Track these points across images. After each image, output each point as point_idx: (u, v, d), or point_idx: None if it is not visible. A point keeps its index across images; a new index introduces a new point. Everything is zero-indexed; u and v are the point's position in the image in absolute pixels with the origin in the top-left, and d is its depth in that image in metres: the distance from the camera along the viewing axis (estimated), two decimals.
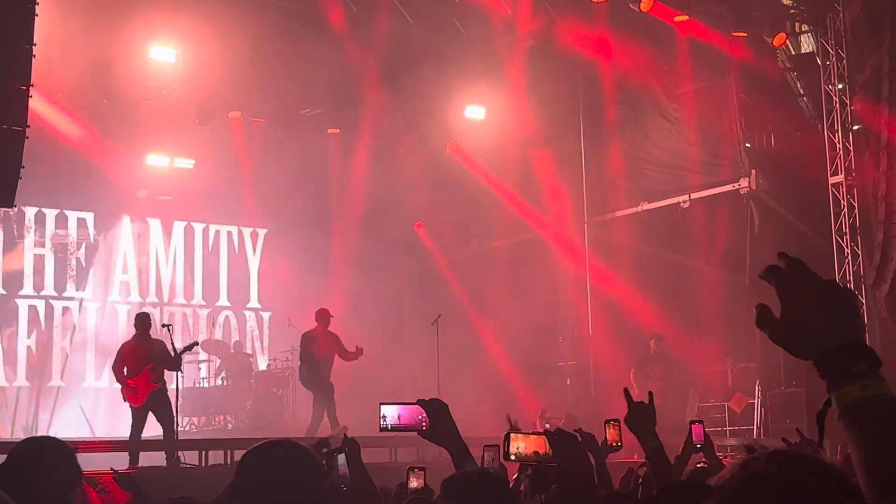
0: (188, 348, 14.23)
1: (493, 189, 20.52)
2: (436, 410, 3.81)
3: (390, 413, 3.79)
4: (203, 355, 18.83)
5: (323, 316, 15.04)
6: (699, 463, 6.63)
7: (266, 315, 21.39)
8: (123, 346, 13.26)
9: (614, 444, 5.63)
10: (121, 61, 17.35)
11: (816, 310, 1.67)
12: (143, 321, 13.29)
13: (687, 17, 16.33)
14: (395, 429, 3.82)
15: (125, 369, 12.76)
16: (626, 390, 4.52)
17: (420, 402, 3.84)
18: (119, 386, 12.88)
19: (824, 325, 1.66)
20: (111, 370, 13.14)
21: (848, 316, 1.67)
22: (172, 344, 13.23)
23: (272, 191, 20.50)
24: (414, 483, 5.25)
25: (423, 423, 3.81)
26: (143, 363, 12.71)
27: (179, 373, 13.23)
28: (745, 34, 16.65)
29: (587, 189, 19.92)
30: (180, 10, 16.38)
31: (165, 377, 12.98)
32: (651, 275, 17.90)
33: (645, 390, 15.96)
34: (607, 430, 6.12)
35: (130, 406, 12.78)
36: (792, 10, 17.12)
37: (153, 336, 13.28)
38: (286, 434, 13.72)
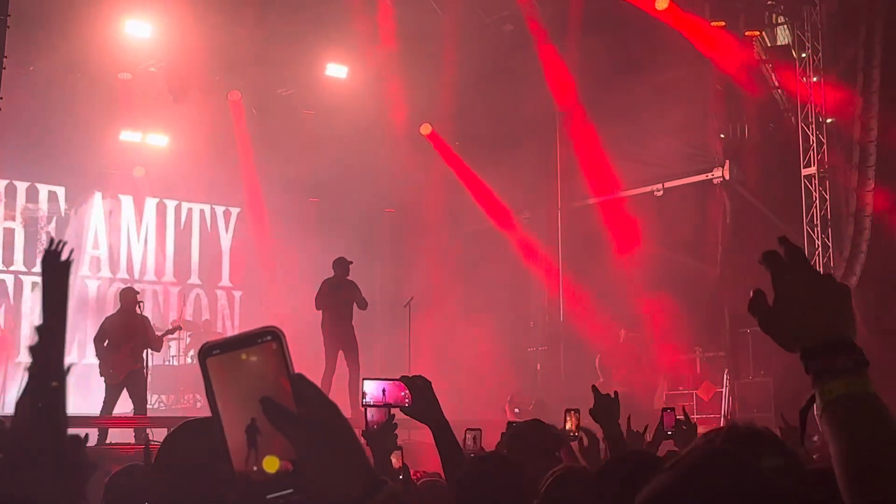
0: (171, 331, 14.12)
1: (461, 177, 20.54)
2: (419, 387, 3.77)
3: (373, 389, 3.73)
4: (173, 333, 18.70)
5: (340, 264, 14.69)
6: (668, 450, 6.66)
7: (237, 294, 21.27)
8: (106, 319, 13.15)
9: (572, 434, 5.74)
10: (95, 36, 17.13)
11: (809, 302, 1.64)
12: (128, 296, 13.13)
13: (668, 4, 16.24)
14: (377, 405, 3.75)
15: (106, 342, 12.63)
16: (594, 386, 4.90)
17: (403, 379, 3.79)
18: (94, 362, 12.73)
19: (816, 318, 1.63)
20: (87, 344, 12.96)
21: (840, 312, 1.64)
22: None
23: (246, 169, 20.40)
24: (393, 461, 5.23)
25: (406, 400, 3.76)
26: (125, 339, 12.59)
27: (154, 351, 13.14)
28: (724, 23, 16.62)
29: (561, 176, 19.93)
30: None
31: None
32: (624, 263, 17.89)
33: (611, 378, 16.09)
34: (567, 419, 6.18)
35: (105, 382, 12.62)
36: (769, 2, 17.12)
37: (138, 313, 13.12)
38: None
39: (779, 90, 17.55)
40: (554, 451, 4.91)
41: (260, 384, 1.31)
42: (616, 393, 4.89)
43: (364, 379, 3.75)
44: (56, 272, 2.04)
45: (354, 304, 14.55)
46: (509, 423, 5.58)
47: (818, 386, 1.59)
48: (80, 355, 15.75)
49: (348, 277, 14.65)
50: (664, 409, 6.59)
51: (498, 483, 3.53)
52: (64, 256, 2.08)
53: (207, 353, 1.31)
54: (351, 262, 14.75)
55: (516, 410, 16.78)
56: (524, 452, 4.22)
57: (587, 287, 18.63)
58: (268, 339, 1.34)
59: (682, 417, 6.32)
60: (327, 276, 14.73)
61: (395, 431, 4.03)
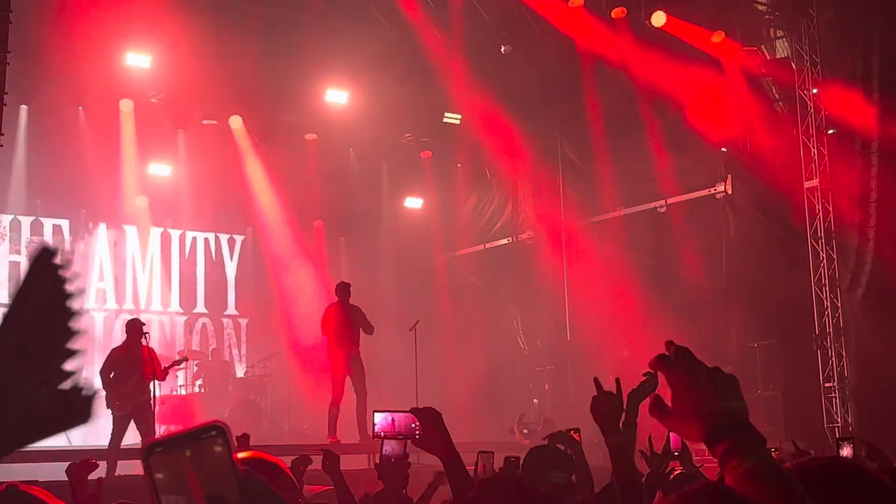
0: (178, 363, 14.09)
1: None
2: (429, 418, 3.73)
3: (382, 420, 3.70)
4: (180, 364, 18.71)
5: (343, 289, 14.68)
6: (675, 470, 6.61)
7: (243, 322, 21.25)
8: (113, 351, 13.12)
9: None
10: (95, 68, 17.21)
11: (705, 394, 1.79)
12: (134, 328, 13.09)
13: (666, 18, 16.31)
14: (387, 436, 3.72)
15: (112, 374, 12.60)
16: (595, 379, 4.21)
17: (414, 411, 3.76)
18: (101, 393, 12.68)
19: (713, 406, 1.77)
20: (97, 376, 12.92)
21: (732, 397, 1.79)
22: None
23: (249, 196, 20.48)
24: None
25: (417, 431, 3.72)
26: (131, 371, 12.57)
27: (159, 381, 13.11)
28: (723, 38, 16.65)
29: (565, 193, 19.98)
30: (156, 16, 16.25)
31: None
32: (629, 279, 17.88)
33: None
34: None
35: (112, 413, 12.58)
36: (767, 16, 17.17)
37: (144, 344, 13.09)
38: (263, 441, 13.59)
39: (779, 102, 17.55)
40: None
41: (205, 481, 1.26)
42: (618, 382, 4.09)
43: (375, 411, 3.71)
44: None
45: (360, 329, 14.52)
46: (506, 459, 5.54)
47: (728, 461, 1.73)
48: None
49: (351, 301, 14.63)
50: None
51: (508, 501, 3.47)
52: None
53: (150, 451, 1.27)
54: (349, 285, 14.75)
55: (525, 431, 16.74)
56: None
57: (592, 305, 18.61)
58: (212, 435, 1.27)
59: None
60: (331, 300, 14.71)
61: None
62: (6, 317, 1.29)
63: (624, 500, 3.82)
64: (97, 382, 12.95)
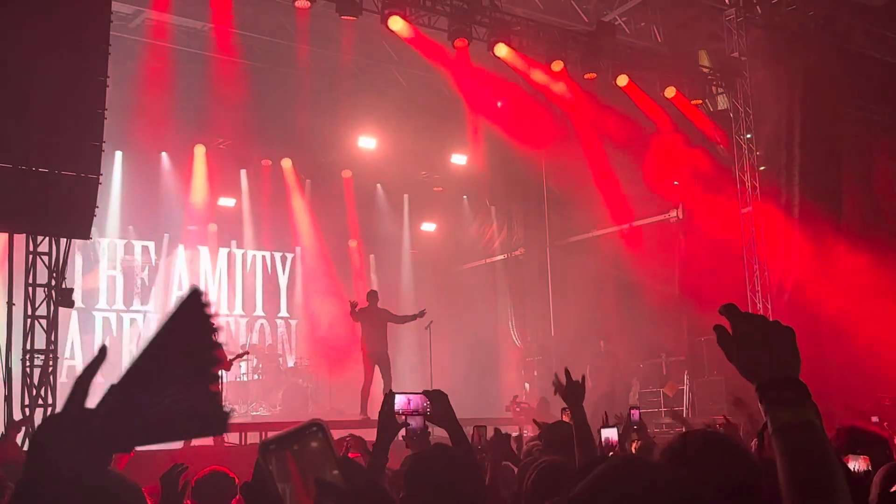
0: (240, 356, 14.20)
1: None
2: (437, 398, 3.81)
3: (400, 400, 3.79)
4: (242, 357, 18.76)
5: (372, 296, 14.77)
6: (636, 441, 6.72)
7: (293, 322, 21.32)
8: None
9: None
10: (176, 120, 17.37)
11: (762, 345, 1.64)
12: None
13: (627, 81, 16.34)
14: (404, 413, 3.81)
15: None
16: (566, 369, 4.56)
17: (425, 392, 3.84)
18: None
19: (767, 358, 1.63)
20: None
21: (786, 352, 1.64)
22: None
23: (297, 222, 20.67)
24: None
25: (427, 409, 3.81)
26: None
27: (225, 371, 13.21)
28: (674, 94, 16.71)
29: (549, 218, 20.05)
30: (229, 82, 16.40)
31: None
32: (601, 287, 17.94)
33: (598, 381, 16.06)
34: (563, 416, 6.23)
35: None
36: (709, 76, 17.23)
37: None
38: (309, 418, 13.63)
39: (719, 146, 17.61)
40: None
41: (312, 470, 1.26)
42: (584, 378, 4.62)
43: (395, 393, 3.80)
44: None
45: (387, 328, 14.61)
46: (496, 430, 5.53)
47: (769, 413, 1.60)
48: None
49: (379, 306, 14.71)
50: (631, 408, 6.69)
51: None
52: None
53: (265, 447, 1.26)
54: (377, 292, 14.88)
55: (517, 409, 16.76)
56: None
57: (572, 307, 18.67)
58: (314, 430, 1.28)
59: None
60: (363, 305, 14.73)
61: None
62: (157, 335, 1.25)
63: (582, 455, 3.95)
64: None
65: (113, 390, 1.24)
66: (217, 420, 1.26)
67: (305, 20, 15.77)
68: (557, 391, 4.49)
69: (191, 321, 1.26)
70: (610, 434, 5.28)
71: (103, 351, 1.32)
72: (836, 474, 1.54)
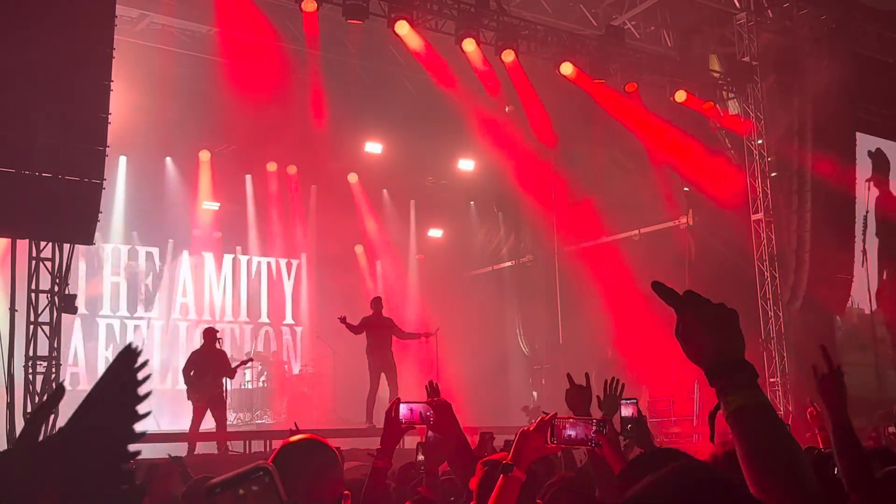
0: (244, 363, 14.19)
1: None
2: (441, 408, 3.79)
3: (405, 409, 3.76)
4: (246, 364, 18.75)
5: (376, 302, 14.62)
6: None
7: (299, 329, 21.32)
8: (193, 353, 13.20)
9: None
10: (179, 126, 17.42)
11: (708, 329, 1.63)
12: (209, 334, 13.20)
13: (635, 87, 16.32)
14: (408, 422, 3.78)
15: (192, 372, 12.72)
16: (568, 374, 4.55)
17: (428, 402, 3.82)
18: (183, 387, 12.82)
19: (715, 342, 1.62)
20: (180, 373, 13.02)
21: (732, 335, 1.62)
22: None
23: (303, 228, 20.68)
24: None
25: (431, 418, 3.78)
26: (207, 369, 12.67)
27: (229, 378, 13.20)
28: (685, 98, 16.65)
29: (557, 225, 20.01)
30: (234, 93, 16.43)
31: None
32: (609, 294, 17.88)
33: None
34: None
35: (193, 404, 12.68)
36: (720, 81, 17.19)
37: (217, 348, 13.19)
38: (314, 426, 13.62)
39: (731, 151, 17.57)
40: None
41: None
42: (588, 377, 4.55)
43: (400, 402, 3.77)
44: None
45: (392, 336, 14.50)
46: (506, 443, 5.51)
47: (722, 398, 1.59)
48: (174, 383, 15.82)
49: (383, 313, 14.61)
50: (621, 400, 6.57)
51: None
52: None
53: (211, 492, 1.25)
54: (381, 299, 14.78)
55: (527, 417, 16.72)
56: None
57: (581, 315, 18.61)
58: (260, 475, 1.27)
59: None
60: (366, 314, 14.58)
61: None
62: (89, 396, 1.23)
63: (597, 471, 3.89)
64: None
65: (52, 440, 1.21)
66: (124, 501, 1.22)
67: (313, 24, 15.78)
68: (566, 399, 4.44)
69: (118, 388, 1.23)
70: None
71: (60, 389, 1.29)
72: (798, 452, 1.55)
